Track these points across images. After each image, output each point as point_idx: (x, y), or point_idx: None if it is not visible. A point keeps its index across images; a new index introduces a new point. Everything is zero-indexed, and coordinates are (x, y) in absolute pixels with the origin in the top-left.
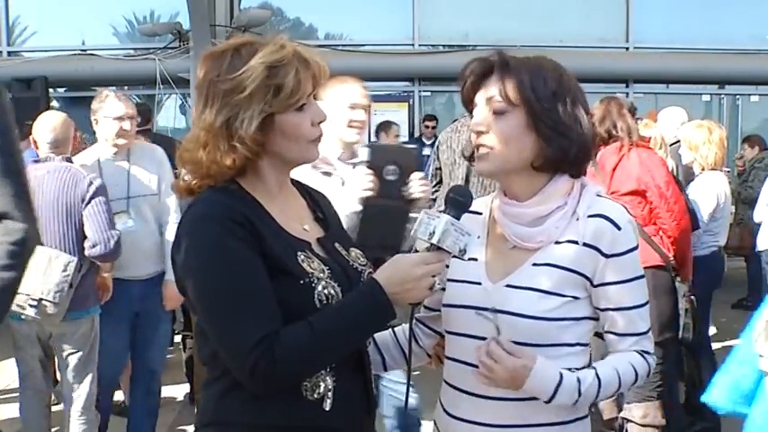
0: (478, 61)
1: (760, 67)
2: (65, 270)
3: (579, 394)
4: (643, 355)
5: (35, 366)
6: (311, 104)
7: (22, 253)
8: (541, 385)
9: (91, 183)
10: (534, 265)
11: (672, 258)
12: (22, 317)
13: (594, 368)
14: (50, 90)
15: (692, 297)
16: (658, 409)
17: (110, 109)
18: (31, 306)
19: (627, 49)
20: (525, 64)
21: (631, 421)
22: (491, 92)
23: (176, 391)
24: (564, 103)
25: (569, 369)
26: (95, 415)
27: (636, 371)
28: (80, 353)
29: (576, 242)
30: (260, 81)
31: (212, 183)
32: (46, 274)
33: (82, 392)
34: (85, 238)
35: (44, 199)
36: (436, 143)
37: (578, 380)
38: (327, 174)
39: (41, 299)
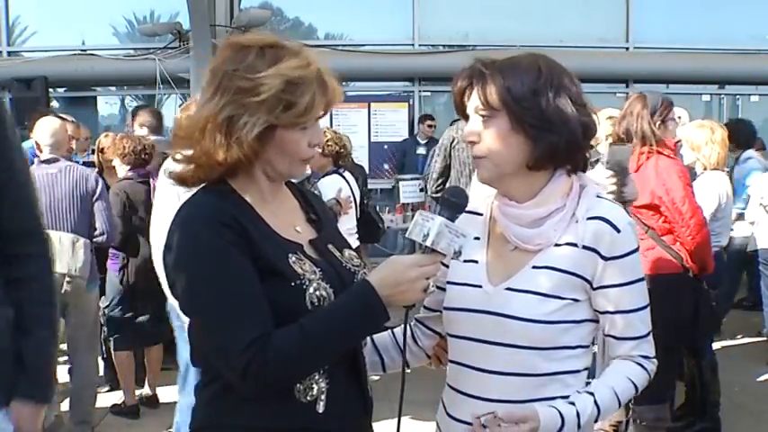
0: (461, 73)
1: (760, 67)
2: (86, 251)
3: (579, 427)
4: (642, 364)
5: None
6: (314, 126)
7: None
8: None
9: (97, 180)
10: (534, 267)
11: (690, 266)
12: None
13: (593, 394)
14: (50, 90)
15: (714, 304)
16: (667, 409)
17: None
18: (67, 282)
19: (627, 49)
20: (500, 68)
21: (642, 423)
22: (475, 101)
23: (175, 391)
24: (546, 98)
25: (574, 372)
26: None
27: (635, 384)
28: (90, 319)
29: (576, 245)
30: (276, 92)
31: (201, 175)
32: (74, 256)
33: (90, 364)
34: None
35: (61, 193)
36: (444, 141)
37: (578, 414)
38: None
39: (75, 276)
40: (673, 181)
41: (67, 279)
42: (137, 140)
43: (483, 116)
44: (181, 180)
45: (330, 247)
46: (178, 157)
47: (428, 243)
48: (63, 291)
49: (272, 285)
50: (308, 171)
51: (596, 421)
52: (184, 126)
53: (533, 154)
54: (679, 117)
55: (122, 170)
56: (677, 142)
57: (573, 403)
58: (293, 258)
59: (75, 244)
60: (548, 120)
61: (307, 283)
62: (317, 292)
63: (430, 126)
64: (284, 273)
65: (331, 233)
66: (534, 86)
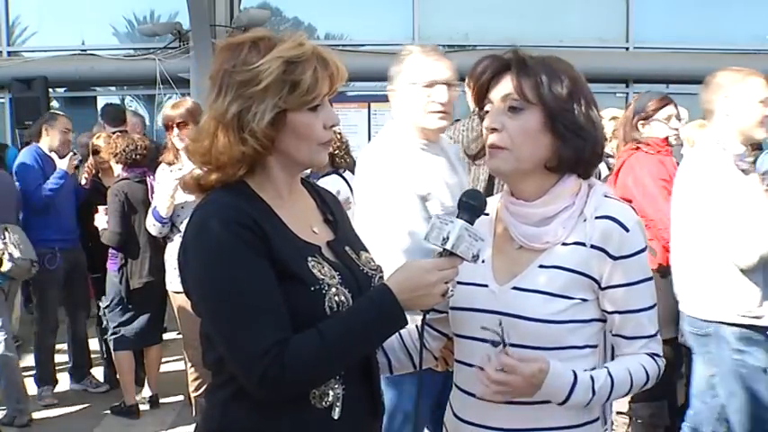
0: (493, 59)
1: (760, 67)
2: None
3: (593, 393)
4: (653, 358)
5: (7, 314)
6: (325, 106)
7: None
8: (557, 387)
9: (11, 173)
10: (541, 266)
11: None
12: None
13: (606, 367)
14: (50, 90)
15: None
16: (664, 408)
17: (411, 72)
18: (33, 267)
19: (627, 49)
20: (541, 63)
21: (638, 421)
22: (506, 89)
23: (175, 390)
24: (579, 103)
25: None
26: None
27: (647, 372)
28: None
29: (584, 244)
30: (277, 75)
31: (221, 177)
32: (26, 243)
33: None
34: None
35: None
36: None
37: (592, 378)
38: (747, 171)
39: (36, 261)
40: (643, 174)
41: (33, 264)
42: (129, 140)
43: (513, 107)
44: (200, 188)
45: (347, 249)
46: (197, 172)
47: (448, 247)
48: (17, 278)
49: (290, 289)
50: (308, 171)
51: (608, 398)
52: (199, 138)
53: (557, 155)
54: (676, 117)
55: (117, 169)
56: (665, 139)
57: (586, 370)
58: (312, 262)
59: (22, 234)
60: (580, 125)
61: (326, 288)
62: (336, 297)
63: None
64: (304, 278)
65: (348, 235)
66: (572, 90)
